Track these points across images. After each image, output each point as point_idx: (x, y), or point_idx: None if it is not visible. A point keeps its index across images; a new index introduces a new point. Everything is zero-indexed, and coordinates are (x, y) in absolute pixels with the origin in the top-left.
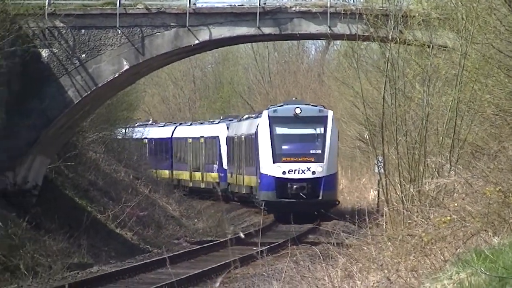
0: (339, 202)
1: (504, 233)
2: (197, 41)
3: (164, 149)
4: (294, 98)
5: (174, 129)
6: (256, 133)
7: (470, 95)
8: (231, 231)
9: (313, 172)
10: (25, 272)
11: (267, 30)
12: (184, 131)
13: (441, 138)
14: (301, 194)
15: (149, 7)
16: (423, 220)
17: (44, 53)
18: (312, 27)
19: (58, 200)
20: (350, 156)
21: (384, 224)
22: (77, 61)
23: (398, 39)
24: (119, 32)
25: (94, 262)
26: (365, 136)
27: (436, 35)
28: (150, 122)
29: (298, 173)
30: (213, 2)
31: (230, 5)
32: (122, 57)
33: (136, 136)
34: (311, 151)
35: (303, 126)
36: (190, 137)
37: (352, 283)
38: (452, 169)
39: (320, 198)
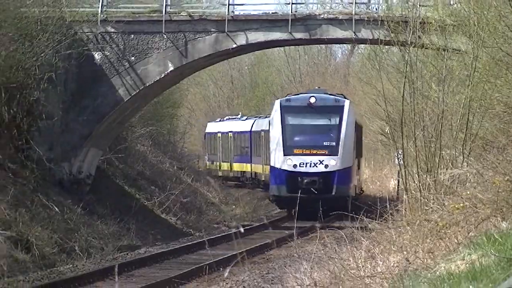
0: (361, 192)
1: (511, 219)
2: (234, 45)
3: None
4: (316, 87)
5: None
6: (268, 123)
7: (481, 94)
8: (263, 216)
9: (326, 166)
10: (80, 253)
11: (298, 35)
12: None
13: (454, 132)
14: (312, 189)
15: (192, 14)
16: (438, 207)
17: (97, 55)
18: (339, 33)
19: (109, 188)
20: (372, 149)
21: (403, 210)
22: (126, 63)
23: (416, 43)
24: (165, 37)
25: (142, 244)
26: (386, 131)
27: (450, 40)
28: (238, 116)
29: (310, 166)
30: (249, 10)
31: (265, 13)
32: (167, 59)
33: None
34: (325, 143)
35: (317, 116)
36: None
37: (374, 263)
38: (465, 160)
39: (334, 193)
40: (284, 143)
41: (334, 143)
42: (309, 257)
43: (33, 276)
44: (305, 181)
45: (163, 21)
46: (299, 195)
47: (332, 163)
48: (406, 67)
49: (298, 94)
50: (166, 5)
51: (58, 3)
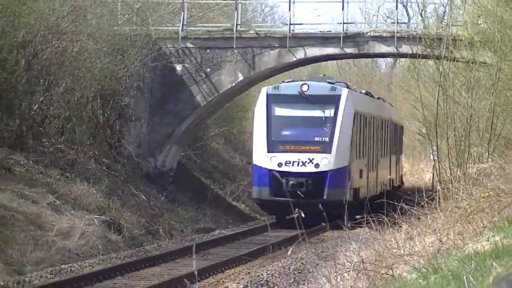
0: (402, 184)
1: None
2: (294, 59)
3: None
4: (321, 75)
5: None
6: (253, 114)
7: (504, 100)
8: None
9: (316, 165)
10: (163, 235)
11: (348, 50)
12: None
13: (481, 133)
14: (299, 192)
15: (258, 32)
16: (467, 196)
17: (178, 67)
18: (383, 48)
19: (188, 179)
20: (412, 147)
21: (437, 199)
22: (203, 74)
23: (448, 57)
24: (236, 52)
25: (216, 227)
26: (423, 131)
27: (477, 54)
28: None
29: (298, 165)
30: (306, 29)
31: (321, 31)
32: (237, 70)
33: None
34: (316, 139)
35: (309, 107)
36: None
37: (412, 243)
38: (490, 157)
39: (325, 197)
40: (268, 138)
41: (327, 139)
42: (357, 239)
43: (124, 254)
44: (291, 182)
45: (234, 38)
46: (283, 199)
47: (324, 162)
48: (440, 77)
49: (291, 81)
50: (236, 24)
51: (145, 23)
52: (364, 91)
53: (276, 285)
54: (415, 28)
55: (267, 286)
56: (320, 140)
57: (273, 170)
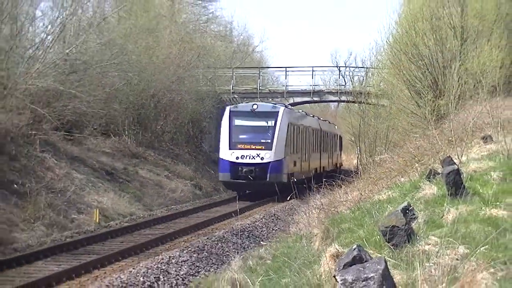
0: (341, 165)
1: (405, 177)
2: (288, 103)
3: None
4: (270, 99)
5: None
6: (221, 124)
7: (392, 124)
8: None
9: (262, 158)
10: (223, 191)
11: (315, 98)
12: None
13: (382, 140)
14: (250, 176)
15: (270, 90)
16: (374, 171)
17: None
18: (332, 97)
19: None
20: (348, 147)
21: (360, 173)
22: None
23: (365, 102)
24: (259, 100)
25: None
26: (353, 139)
27: (380, 100)
28: None
29: (249, 158)
30: (294, 88)
31: (301, 89)
32: None
33: None
34: (262, 141)
35: (257, 120)
36: None
37: (347, 195)
38: (385, 152)
39: (268, 179)
40: (230, 139)
41: (269, 140)
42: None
43: (203, 201)
44: (245, 170)
45: (258, 93)
46: (240, 181)
47: (267, 156)
48: (361, 112)
49: (246, 103)
50: (259, 86)
51: (214, 85)
52: (304, 112)
53: (278, 215)
54: (348, 88)
55: (275, 215)
56: (265, 141)
57: (233, 161)
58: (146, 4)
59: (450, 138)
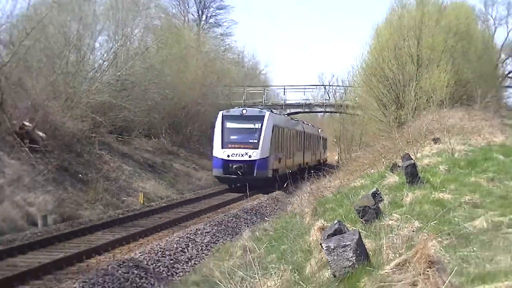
0: (325, 160)
1: (374, 169)
2: (286, 113)
3: None
4: (260, 106)
5: None
6: (215, 126)
7: (366, 128)
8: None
9: (249, 156)
10: None
11: (306, 110)
12: None
13: (357, 141)
14: (239, 172)
15: (272, 103)
16: (351, 165)
17: None
18: (319, 109)
19: None
20: (331, 146)
21: (340, 166)
22: None
23: (344, 112)
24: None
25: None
26: (335, 140)
27: (356, 111)
28: None
29: (239, 156)
30: (291, 101)
31: (296, 102)
32: None
33: None
34: (250, 141)
35: (246, 123)
36: None
37: (330, 182)
38: (360, 150)
39: (255, 175)
40: (222, 140)
41: (256, 141)
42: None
43: (220, 187)
44: (235, 166)
45: (263, 105)
46: (230, 176)
47: (254, 154)
48: (342, 119)
49: (236, 108)
50: (264, 100)
51: (230, 99)
52: (290, 117)
53: (279, 198)
54: (332, 101)
55: (276, 198)
56: (252, 141)
57: (224, 159)
58: (178, 38)
59: (408, 140)
